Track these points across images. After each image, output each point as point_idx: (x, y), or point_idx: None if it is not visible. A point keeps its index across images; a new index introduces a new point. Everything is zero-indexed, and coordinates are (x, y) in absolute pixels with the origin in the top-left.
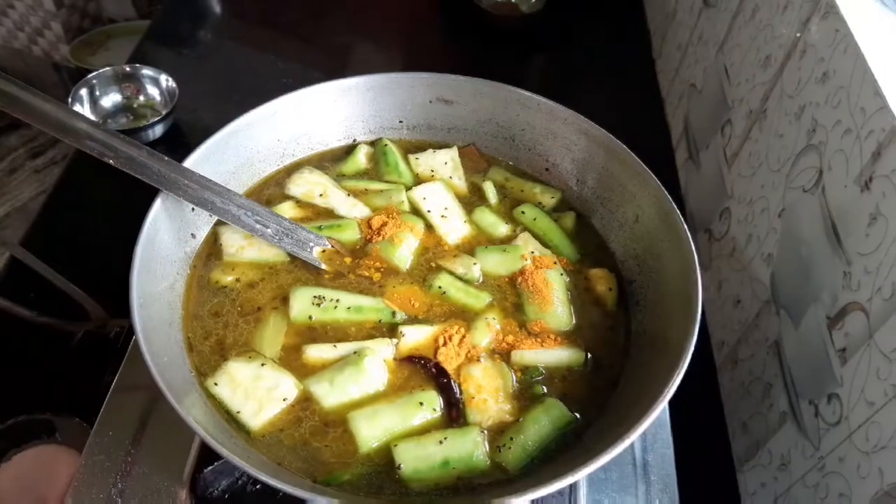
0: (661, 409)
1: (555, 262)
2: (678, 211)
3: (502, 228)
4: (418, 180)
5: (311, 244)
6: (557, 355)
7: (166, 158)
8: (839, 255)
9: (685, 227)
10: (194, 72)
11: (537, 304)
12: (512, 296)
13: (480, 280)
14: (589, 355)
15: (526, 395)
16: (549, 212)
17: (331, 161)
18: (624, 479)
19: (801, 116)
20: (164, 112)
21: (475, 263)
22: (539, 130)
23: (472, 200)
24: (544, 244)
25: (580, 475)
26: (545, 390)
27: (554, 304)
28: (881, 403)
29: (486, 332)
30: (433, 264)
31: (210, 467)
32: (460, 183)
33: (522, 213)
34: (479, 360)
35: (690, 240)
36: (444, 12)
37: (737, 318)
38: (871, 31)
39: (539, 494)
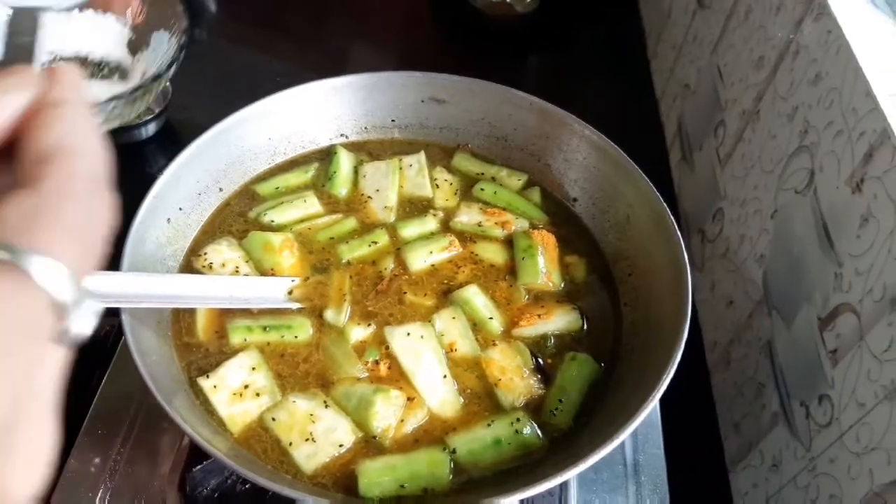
0: (650, 408)
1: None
2: (669, 211)
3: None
4: (360, 199)
5: (278, 294)
6: (556, 323)
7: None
8: (830, 257)
9: (676, 227)
10: (188, 71)
11: (528, 273)
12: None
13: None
14: (585, 318)
15: (547, 365)
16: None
17: (319, 160)
18: (614, 479)
19: (793, 118)
20: (157, 110)
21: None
22: (531, 130)
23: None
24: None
25: (570, 475)
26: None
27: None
28: (872, 405)
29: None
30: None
31: (199, 466)
32: (424, 183)
33: (482, 189)
34: (494, 344)
35: (681, 240)
36: (438, 12)
37: (729, 319)
38: (863, 32)
39: (529, 494)
